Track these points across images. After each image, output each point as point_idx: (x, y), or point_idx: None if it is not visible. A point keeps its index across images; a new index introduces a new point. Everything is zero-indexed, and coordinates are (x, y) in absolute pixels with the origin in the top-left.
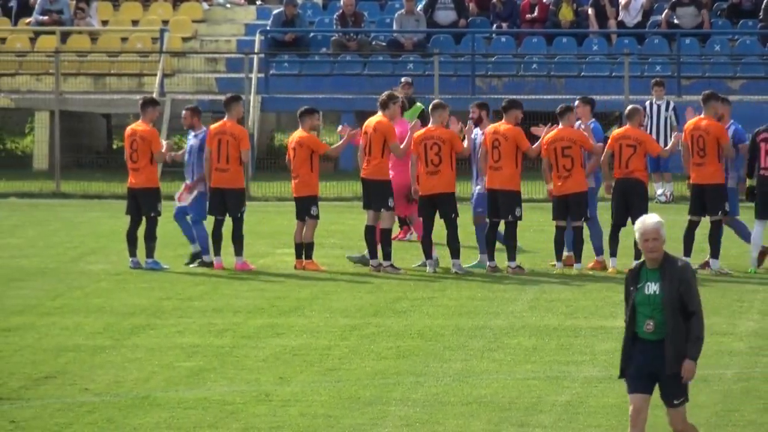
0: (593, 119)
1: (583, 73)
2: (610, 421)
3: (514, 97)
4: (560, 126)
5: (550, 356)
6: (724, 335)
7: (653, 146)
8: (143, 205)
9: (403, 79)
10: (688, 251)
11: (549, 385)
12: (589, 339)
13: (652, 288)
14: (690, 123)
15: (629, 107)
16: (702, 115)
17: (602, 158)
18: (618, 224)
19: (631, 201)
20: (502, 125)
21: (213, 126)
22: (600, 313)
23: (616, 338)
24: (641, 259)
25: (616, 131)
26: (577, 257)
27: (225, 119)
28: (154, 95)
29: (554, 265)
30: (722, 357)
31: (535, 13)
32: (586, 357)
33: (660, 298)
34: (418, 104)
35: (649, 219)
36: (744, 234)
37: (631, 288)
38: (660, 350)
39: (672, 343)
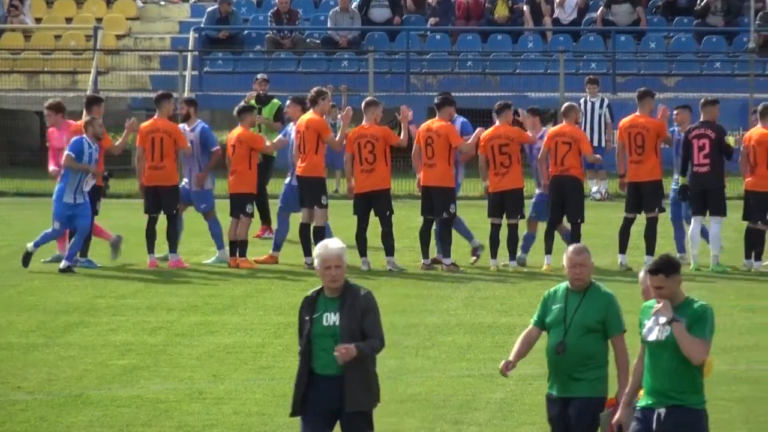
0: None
1: (518, 71)
2: (544, 419)
3: (448, 94)
4: (497, 123)
5: (485, 354)
6: None
7: (586, 146)
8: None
9: (259, 76)
10: (623, 248)
11: (484, 383)
12: None
13: (331, 319)
14: (626, 120)
15: (565, 104)
16: (638, 113)
17: (539, 156)
18: (553, 222)
19: (567, 198)
20: (435, 122)
21: (144, 124)
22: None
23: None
24: (319, 287)
25: (552, 129)
26: (512, 254)
27: (155, 117)
28: (88, 92)
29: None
30: None
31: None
32: None
33: (339, 330)
34: (275, 101)
35: (331, 244)
36: (466, 234)
37: (306, 318)
38: (340, 386)
39: (350, 379)
